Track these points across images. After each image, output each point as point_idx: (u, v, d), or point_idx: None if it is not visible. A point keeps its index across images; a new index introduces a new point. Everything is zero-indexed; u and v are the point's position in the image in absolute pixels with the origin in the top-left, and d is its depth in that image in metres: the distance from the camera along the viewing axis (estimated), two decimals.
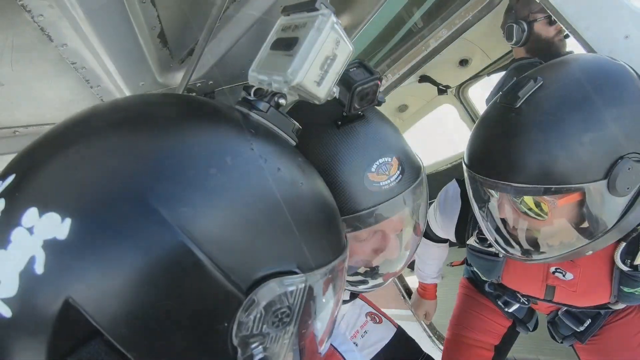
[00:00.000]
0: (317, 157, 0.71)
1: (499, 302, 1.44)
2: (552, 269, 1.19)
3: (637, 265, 1.03)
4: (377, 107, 0.81)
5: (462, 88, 2.87)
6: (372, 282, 0.88)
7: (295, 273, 0.45)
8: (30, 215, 0.38)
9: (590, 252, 0.94)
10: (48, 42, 0.70)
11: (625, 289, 1.09)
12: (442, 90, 2.78)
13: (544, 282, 1.22)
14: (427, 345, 2.39)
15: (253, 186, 0.44)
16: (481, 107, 2.88)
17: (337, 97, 0.63)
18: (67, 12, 0.64)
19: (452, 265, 3.16)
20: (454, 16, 1.46)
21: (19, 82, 0.77)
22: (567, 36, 1.87)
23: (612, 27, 1.15)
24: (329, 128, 0.72)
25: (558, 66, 0.94)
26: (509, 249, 1.04)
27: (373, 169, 0.71)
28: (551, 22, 1.86)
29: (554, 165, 0.82)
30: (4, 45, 0.66)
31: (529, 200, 0.91)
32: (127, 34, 0.75)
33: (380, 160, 0.71)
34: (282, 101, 0.53)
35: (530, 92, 0.87)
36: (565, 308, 1.36)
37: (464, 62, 2.71)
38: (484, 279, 1.41)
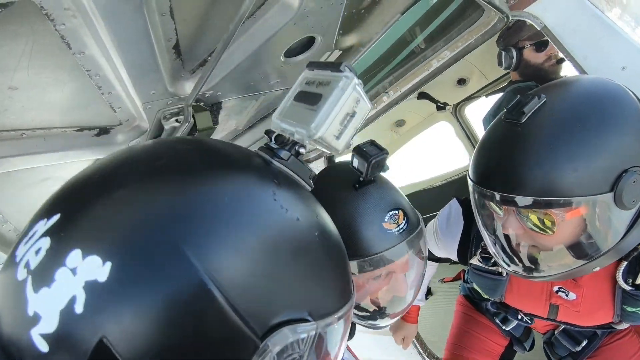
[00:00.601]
0: (341, 212, 0.89)
1: (497, 320, 1.45)
2: (556, 288, 1.20)
3: (639, 285, 1.04)
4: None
5: (459, 106, 2.93)
6: (380, 321, 1.03)
7: (307, 320, 0.47)
8: (75, 256, 0.41)
9: (597, 269, 0.95)
10: (66, 49, 0.71)
11: (628, 309, 1.10)
12: (441, 107, 2.83)
13: (547, 301, 1.23)
14: None
15: (274, 236, 0.48)
16: (477, 126, 2.93)
17: (356, 167, 0.85)
18: (89, 22, 0.65)
19: (444, 282, 3.19)
20: (457, 39, 1.50)
21: (33, 86, 0.77)
22: (559, 61, 1.93)
23: (609, 57, 1.19)
24: (348, 190, 0.91)
25: (560, 85, 0.98)
26: (513, 265, 1.05)
27: (386, 219, 0.89)
28: (539, 49, 1.92)
29: (560, 178, 0.84)
30: (23, 51, 0.67)
31: (533, 216, 0.92)
32: (144, 44, 0.76)
33: (391, 212, 0.89)
34: (302, 150, 0.58)
35: (534, 109, 0.89)
36: (562, 327, 1.37)
37: (462, 82, 2.77)
38: (485, 297, 1.42)
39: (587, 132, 0.84)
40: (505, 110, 0.97)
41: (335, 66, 0.56)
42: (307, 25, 0.97)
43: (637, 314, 1.10)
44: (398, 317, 1.05)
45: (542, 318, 1.29)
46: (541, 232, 0.93)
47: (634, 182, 0.82)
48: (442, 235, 1.40)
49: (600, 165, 0.83)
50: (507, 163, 0.90)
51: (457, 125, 2.97)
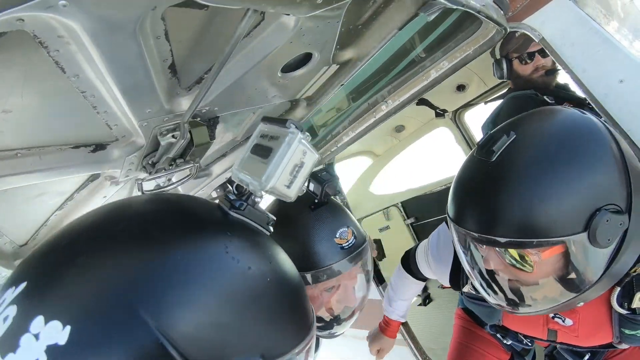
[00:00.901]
0: (299, 230, 1.03)
1: (497, 334, 1.43)
2: (552, 314, 1.19)
3: (635, 309, 1.02)
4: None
5: (458, 113, 2.92)
6: (337, 328, 1.14)
7: None
8: (38, 322, 0.46)
9: (581, 304, 0.94)
10: (60, 73, 0.70)
11: (627, 331, 1.09)
12: (440, 113, 2.82)
13: (545, 326, 1.22)
14: None
15: (226, 288, 0.53)
16: (476, 132, 2.92)
17: (312, 190, 0.97)
18: (83, 49, 0.64)
19: (443, 288, 3.19)
20: (455, 50, 1.50)
21: (27, 109, 0.77)
22: (549, 73, 1.92)
23: (607, 70, 1.18)
24: (305, 210, 1.06)
25: (531, 120, 0.97)
26: (496, 299, 1.04)
27: (337, 235, 1.03)
28: (524, 62, 1.92)
29: (533, 219, 0.82)
30: (16, 78, 0.66)
31: (514, 252, 0.91)
32: (139, 67, 0.75)
33: (341, 230, 1.04)
34: (257, 200, 0.65)
35: (504, 147, 0.88)
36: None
37: (461, 88, 2.77)
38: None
39: (558, 172, 0.82)
40: (477, 145, 0.98)
41: (282, 122, 0.63)
42: (303, 42, 0.96)
43: (637, 337, 1.09)
44: (354, 318, 1.15)
45: (542, 340, 1.28)
46: (521, 268, 0.92)
47: (607, 221, 0.80)
48: (432, 259, 1.39)
49: (572, 205, 0.81)
50: (480, 204, 0.90)
51: (456, 131, 2.97)
